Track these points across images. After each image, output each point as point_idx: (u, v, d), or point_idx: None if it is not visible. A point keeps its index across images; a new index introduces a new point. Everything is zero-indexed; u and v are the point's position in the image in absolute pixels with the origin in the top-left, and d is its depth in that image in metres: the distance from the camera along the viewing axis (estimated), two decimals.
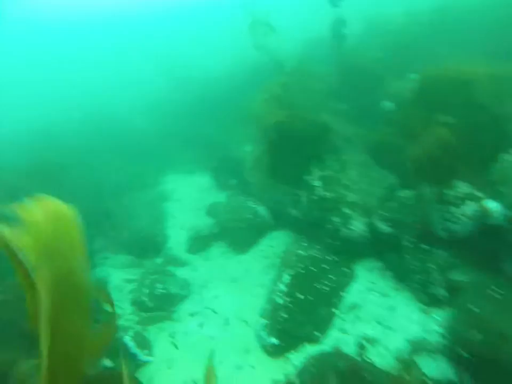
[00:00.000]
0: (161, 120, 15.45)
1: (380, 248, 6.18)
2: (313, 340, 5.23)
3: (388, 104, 7.73)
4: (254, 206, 8.42)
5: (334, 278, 6.01)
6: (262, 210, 8.31)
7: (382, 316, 5.42)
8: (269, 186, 7.65)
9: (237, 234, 8.08)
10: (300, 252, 6.50)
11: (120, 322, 6.50)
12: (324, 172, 6.84)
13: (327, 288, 5.83)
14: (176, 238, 9.19)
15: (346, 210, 6.29)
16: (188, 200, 10.99)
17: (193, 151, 13.38)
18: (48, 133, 13.34)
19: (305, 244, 6.69)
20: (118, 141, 13.74)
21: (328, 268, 6.17)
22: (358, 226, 6.13)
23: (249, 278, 7.06)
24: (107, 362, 4.51)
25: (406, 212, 5.77)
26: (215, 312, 6.38)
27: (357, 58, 9.19)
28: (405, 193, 6.07)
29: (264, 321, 5.60)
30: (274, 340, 5.27)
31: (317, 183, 6.74)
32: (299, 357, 5.02)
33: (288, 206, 7.34)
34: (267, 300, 6.10)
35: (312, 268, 6.08)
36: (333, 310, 5.63)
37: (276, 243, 7.72)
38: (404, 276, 5.72)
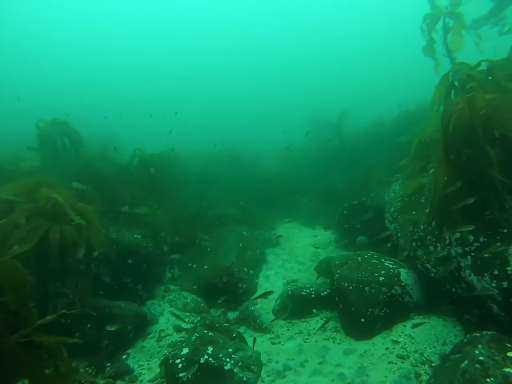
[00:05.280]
0: (290, 167, 13.97)
1: None
2: None
3: None
4: (393, 267, 5.13)
5: None
6: (406, 275, 4.95)
7: None
8: (436, 230, 4.38)
9: (356, 305, 4.84)
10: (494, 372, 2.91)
11: None
12: None
13: None
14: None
15: None
16: (298, 251, 8.27)
17: (319, 202, 10.90)
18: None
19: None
20: (244, 178, 12.48)
21: None
22: None
23: None
24: None
25: None
26: None
27: None
28: None
29: None
30: None
31: None
32: None
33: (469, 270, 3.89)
34: None
35: None
36: None
37: (423, 336, 4.18)
38: None
